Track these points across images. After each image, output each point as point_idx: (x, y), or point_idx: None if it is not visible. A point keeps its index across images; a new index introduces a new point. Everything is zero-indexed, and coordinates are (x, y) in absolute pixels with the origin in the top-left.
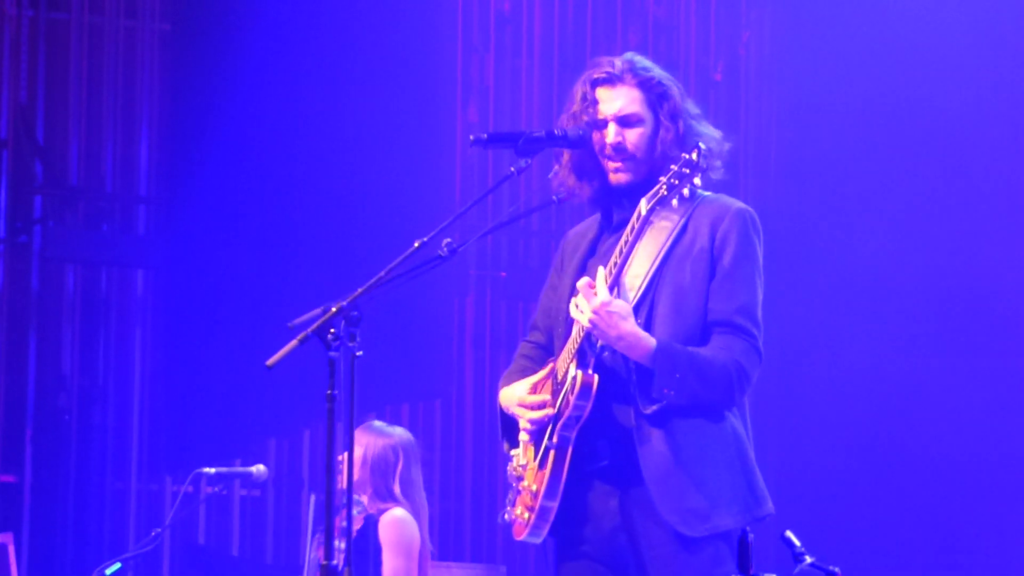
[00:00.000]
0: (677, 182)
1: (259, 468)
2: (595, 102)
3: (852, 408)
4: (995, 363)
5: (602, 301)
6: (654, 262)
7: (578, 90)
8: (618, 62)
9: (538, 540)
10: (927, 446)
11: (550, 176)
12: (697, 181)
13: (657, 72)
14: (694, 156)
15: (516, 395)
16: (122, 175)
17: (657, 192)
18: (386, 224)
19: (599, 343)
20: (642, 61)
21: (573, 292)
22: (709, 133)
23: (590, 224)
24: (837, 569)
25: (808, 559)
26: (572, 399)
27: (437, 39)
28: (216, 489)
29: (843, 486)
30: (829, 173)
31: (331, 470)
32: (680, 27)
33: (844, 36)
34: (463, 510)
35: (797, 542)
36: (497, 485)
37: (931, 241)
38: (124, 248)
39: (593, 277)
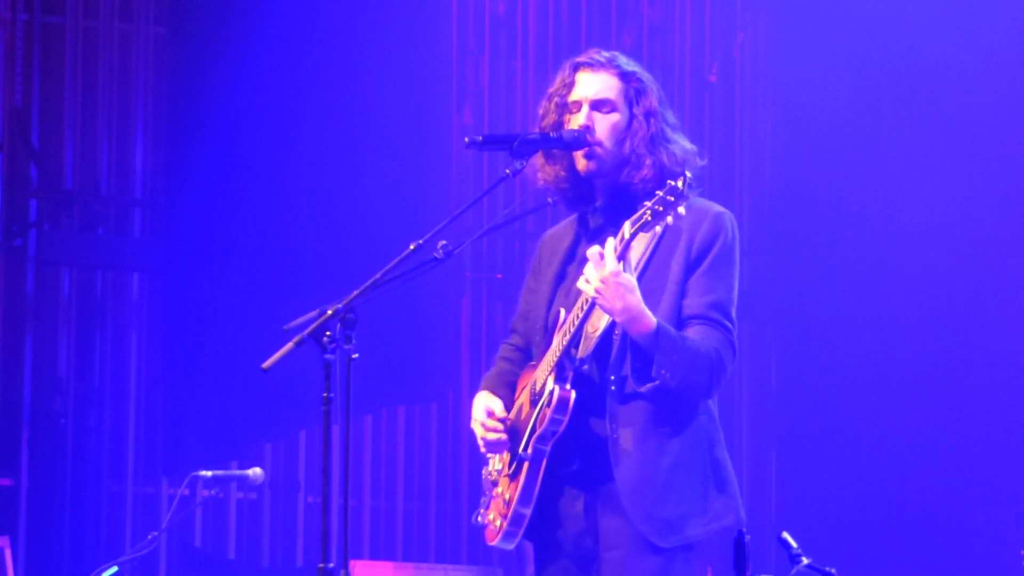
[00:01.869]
0: (662, 209)
1: (255, 471)
2: (572, 84)
3: (850, 410)
4: (992, 364)
5: (611, 271)
6: (635, 271)
7: (559, 73)
8: (605, 52)
9: (510, 547)
10: (925, 447)
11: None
12: (681, 210)
13: (641, 72)
14: (679, 184)
15: (477, 413)
16: (117, 178)
17: (641, 217)
18: (382, 226)
19: (578, 353)
20: (628, 59)
21: (552, 298)
22: (681, 144)
23: (567, 227)
24: (833, 570)
25: (805, 560)
26: (549, 413)
27: (432, 42)
28: (212, 492)
29: (840, 487)
30: (824, 174)
31: (327, 473)
32: (675, 29)
33: (839, 37)
34: (460, 512)
35: (794, 543)
36: None
37: (928, 241)
38: (119, 251)
39: (572, 284)
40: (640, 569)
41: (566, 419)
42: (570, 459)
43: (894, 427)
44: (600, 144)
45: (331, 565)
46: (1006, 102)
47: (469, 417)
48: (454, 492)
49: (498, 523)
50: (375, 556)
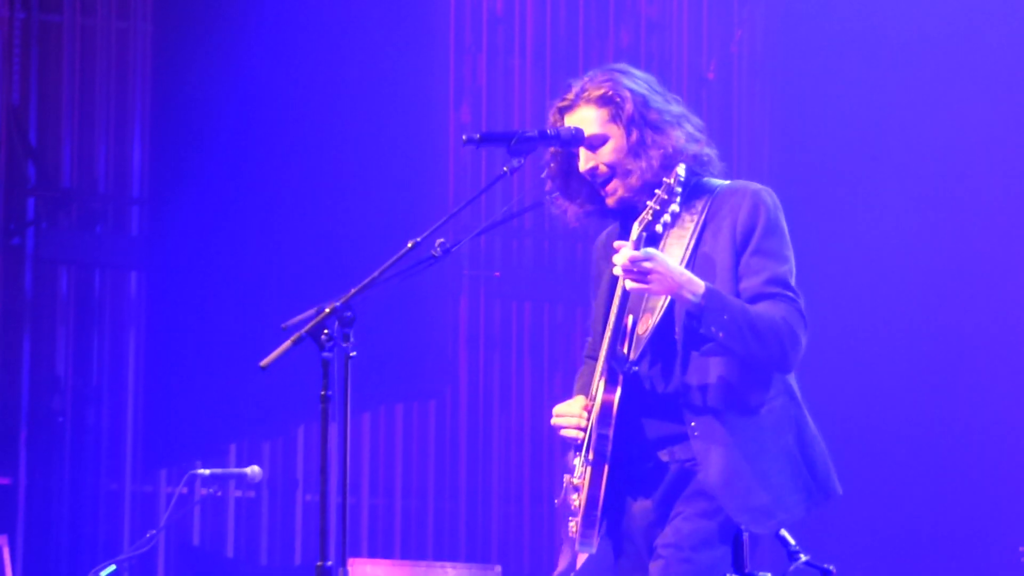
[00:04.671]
0: (659, 207)
1: (253, 469)
2: None
3: (848, 407)
4: (991, 361)
5: (628, 256)
6: (682, 258)
7: (549, 117)
8: (575, 86)
9: (591, 551)
10: (923, 443)
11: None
12: (674, 208)
13: (611, 82)
14: (671, 180)
15: (559, 407)
16: (115, 176)
17: (643, 218)
18: (379, 224)
19: (631, 355)
20: (596, 77)
21: (609, 304)
22: (671, 136)
23: (613, 231)
24: (832, 567)
25: (803, 557)
26: (595, 423)
27: (430, 39)
28: (210, 490)
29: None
30: (822, 171)
31: (325, 470)
32: (672, 26)
33: (836, 34)
34: (457, 510)
35: (792, 540)
36: (491, 485)
37: (926, 239)
38: (117, 249)
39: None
40: (710, 528)
41: (611, 427)
42: (647, 456)
43: (893, 423)
44: (610, 179)
45: (329, 563)
46: (1004, 100)
47: (467, 415)
48: (452, 490)
49: (573, 528)
50: (373, 554)
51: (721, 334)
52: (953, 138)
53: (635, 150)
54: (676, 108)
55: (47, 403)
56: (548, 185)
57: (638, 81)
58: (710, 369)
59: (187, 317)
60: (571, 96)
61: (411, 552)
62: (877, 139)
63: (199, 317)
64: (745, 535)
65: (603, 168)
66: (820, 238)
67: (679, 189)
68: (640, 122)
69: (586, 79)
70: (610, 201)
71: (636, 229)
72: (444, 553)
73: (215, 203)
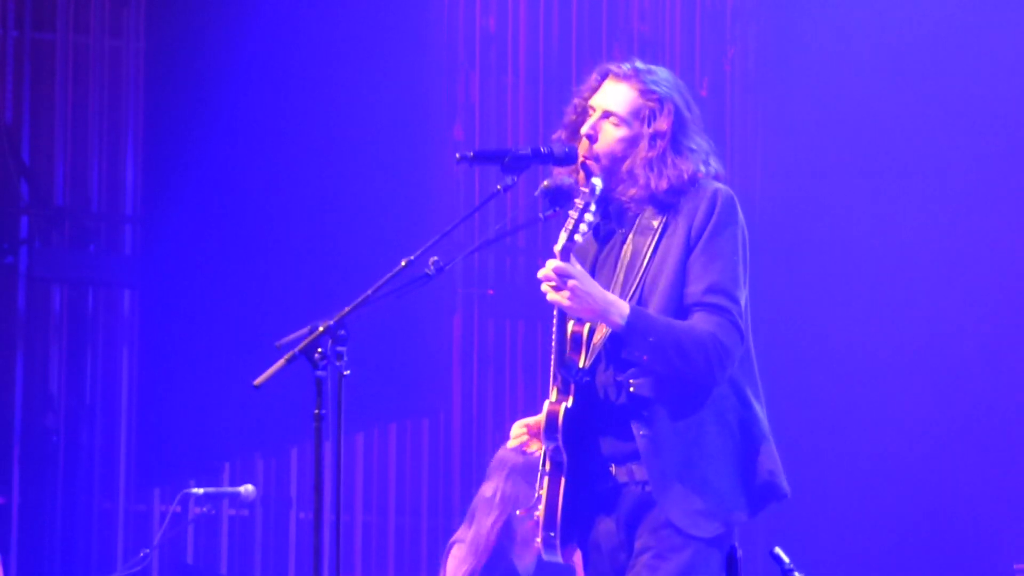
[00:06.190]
0: (576, 215)
1: (247, 488)
2: (596, 89)
3: (844, 423)
4: (987, 375)
5: (553, 266)
6: (642, 261)
7: (591, 75)
8: (640, 64)
9: (557, 559)
10: (919, 462)
11: (535, 193)
12: (589, 217)
13: (666, 90)
14: (587, 190)
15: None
16: (108, 195)
17: (567, 226)
18: (373, 242)
19: (584, 364)
20: (661, 75)
21: None
22: (686, 168)
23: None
24: None
25: (797, 575)
26: (543, 434)
27: (423, 57)
28: (204, 509)
29: (833, 502)
30: (815, 188)
31: (319, 489)
32: (665, 43)
33: (829, 51)
34: (451, 528)
35: (786, 558)
36: None
37: (917, 255)
38: (110, 268)
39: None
40: (681, 561)
41: (559, 436)
42: (604, 473)
43: (888, 441)
44: (596, 158)
45: None
46: (997, 120)
47: (460, 433)
48: (446, 508)
49: (538, 539)
50: (367, 572)
51: (646, 357)
52: (945, 151)
53: (652, 163)
54: (706, 144)
55: (40, 421)
56: (562, 133)
57: (689, 107)
58: (658, 374)
59: (180, 335)
60: (628, 69)
61: (405, 570)
62: (869, 155)
63: (192, 335)
64: (739, 552)
65: (603, 148)
66: (812, 251)
67: (591, 200)
68: (669, 139)
69: (651, 67)
70: (581, 178)
71: (563, 237)
72: (436, 571)
73: (208, 221)
